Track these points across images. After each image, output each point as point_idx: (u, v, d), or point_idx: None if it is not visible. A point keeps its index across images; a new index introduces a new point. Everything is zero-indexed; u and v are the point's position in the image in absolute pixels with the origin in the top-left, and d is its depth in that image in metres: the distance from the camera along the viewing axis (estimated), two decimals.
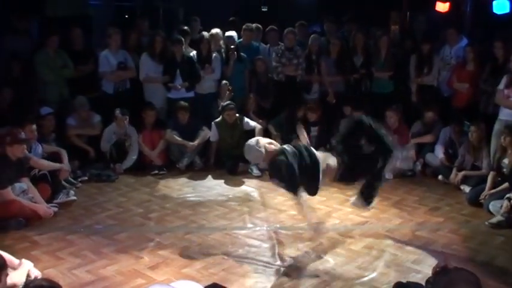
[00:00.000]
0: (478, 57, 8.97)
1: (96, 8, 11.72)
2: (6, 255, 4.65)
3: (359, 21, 10.76)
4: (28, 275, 4.77)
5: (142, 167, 9.02)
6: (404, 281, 4.57)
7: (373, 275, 5.41)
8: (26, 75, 9.03)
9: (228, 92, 9.62)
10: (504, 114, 8.07)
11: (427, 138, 9.03)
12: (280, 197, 7.55)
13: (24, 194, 6.87)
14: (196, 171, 9.05)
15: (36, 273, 4.87)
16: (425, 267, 5.49)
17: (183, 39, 9.52)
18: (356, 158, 5.94)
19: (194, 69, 9.54)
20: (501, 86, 8.04)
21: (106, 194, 7.95)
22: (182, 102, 9.26)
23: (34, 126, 7.56)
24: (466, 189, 7.92)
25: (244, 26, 10.38)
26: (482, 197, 7.35)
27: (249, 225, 6.67)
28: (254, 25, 10.57)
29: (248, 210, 7.15)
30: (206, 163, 9.32)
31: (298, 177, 5.60)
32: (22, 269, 4.74)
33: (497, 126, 8.10)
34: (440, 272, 3.20)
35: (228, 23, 10.89)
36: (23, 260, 4.88)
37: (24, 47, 9.46)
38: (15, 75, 8.91)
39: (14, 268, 4.70)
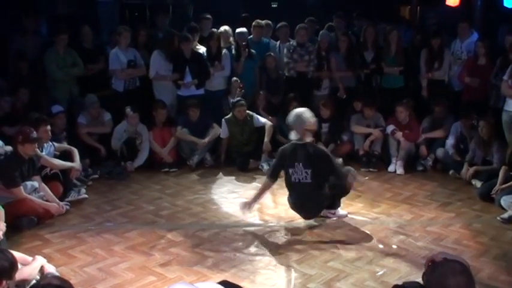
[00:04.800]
0: (489, 51, 8.94)
1: (105, 5, 11.73)
2: (19, 254, 4.69)
3: (369, 17, 10.74)
4: (42, 271, 4.79)
5: (153, 165, 9.03)
6: (413, 277, 4.56)
7: (384, 270, 5.41)
8: (36, 74, 9.08)
9: (239, 89, 9.61)
10: (509, 106, 8.05)
11: (437, 133, 9.00)
12: None
13: (35, 192, 6.92)
14: (207, 168, 9.06)
15: (50, 268, 4.89)
16: None
17: (191, 36, 9.51)
18: None
19: (204, 66, 9.53)
20: (506, 76, 8.04)
21: (117, 191, 7.98)
22: (193, 100, 9.27)
23: (49, 127, 7.58)
24: (478, 184, 7.88)
25: (254, 23, 10.37)
26: (493, 191, 7.30)
27: (260, 222, 6.67)
28: (264, 21, 10.55)
29: (259, 206, 7.13)
30: (217, 160, 9.30)
31: None
32: (34, 264, 4.76)
33: (504, 118, 8.10)
34: (430, 268, 3.19)
35: (240, 19, 10.89)
36: (37, 256, 4.89)
37: (34, 45, 9.52)
38: (24, 75, 8.96)
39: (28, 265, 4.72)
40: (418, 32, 10.68)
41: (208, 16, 10.35)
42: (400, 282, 3.68)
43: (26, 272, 4.57)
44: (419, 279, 3.42)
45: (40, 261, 4.85)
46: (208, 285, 3.47)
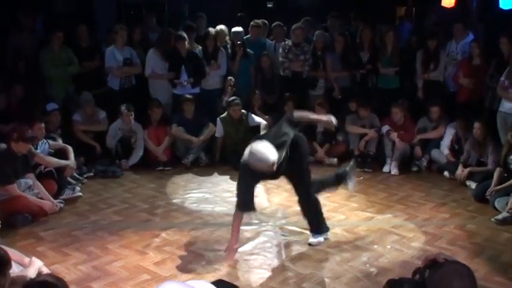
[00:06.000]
0: (483, 52, 8.95)
1: (101, 3, 11.72)
2: (16, 252, 4.66)
3: (366, 18, 10.74)
4: (39, 274, 4.76)
5: (147, 163, 9.02)
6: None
7: (378, 270, 5.42)
8: (31, 72, 9.07)
9: (230, 88, 9.61)
10: (503, 107, 8.07)
11: (432, 134, 9.00)
12: (285, 193, 7.55)
13: (29, 189, 6.90)
14: (201, 167, 9.04)
15: (46, 272, 4.86)
16: None
17: (185, 35, 9.48)
18: None
19: (199, 65, 9.52)
20: (503, 77, 8.05)
21: (111, 190, 7.97)
22: (187, 95, 9.28)
23: (43, 124, 7.58)
24: (472, 185, 7.89)
25: (252, 23, 10.37)
26: (488, 193, 7.31)
27: (255, 221, 6.66)
28: (261, 21, 10.56)
29: None
30: (211, 159, 9.29)
31: None
32: (33, 268, 4.72)
33: (499, 119, 8.11)
34: (431, 267, 3.19)
35: (236, 19, 10.89)
36: (33, 258, 4.86)
37: (30, 43, 9.50)
38: (20, 73, 8.94)
39: (24, 265, 4.68)
40: (414, 32, 10.69)
41: (203, 14, 10.36)
42: None
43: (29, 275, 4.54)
44: None
45: (38, 264, 4.80)
46: (200, 284, 3.46)
